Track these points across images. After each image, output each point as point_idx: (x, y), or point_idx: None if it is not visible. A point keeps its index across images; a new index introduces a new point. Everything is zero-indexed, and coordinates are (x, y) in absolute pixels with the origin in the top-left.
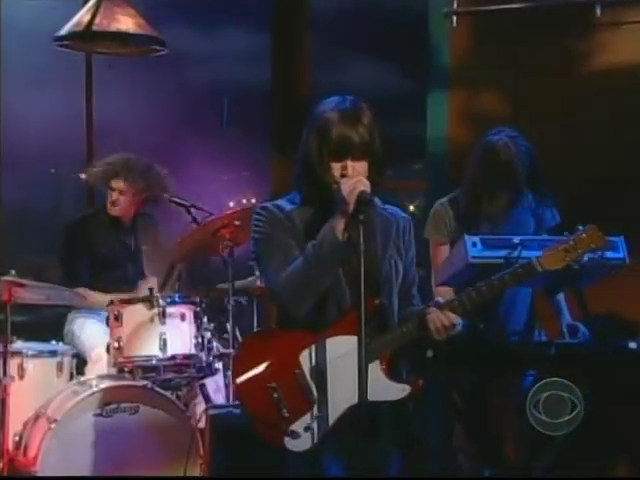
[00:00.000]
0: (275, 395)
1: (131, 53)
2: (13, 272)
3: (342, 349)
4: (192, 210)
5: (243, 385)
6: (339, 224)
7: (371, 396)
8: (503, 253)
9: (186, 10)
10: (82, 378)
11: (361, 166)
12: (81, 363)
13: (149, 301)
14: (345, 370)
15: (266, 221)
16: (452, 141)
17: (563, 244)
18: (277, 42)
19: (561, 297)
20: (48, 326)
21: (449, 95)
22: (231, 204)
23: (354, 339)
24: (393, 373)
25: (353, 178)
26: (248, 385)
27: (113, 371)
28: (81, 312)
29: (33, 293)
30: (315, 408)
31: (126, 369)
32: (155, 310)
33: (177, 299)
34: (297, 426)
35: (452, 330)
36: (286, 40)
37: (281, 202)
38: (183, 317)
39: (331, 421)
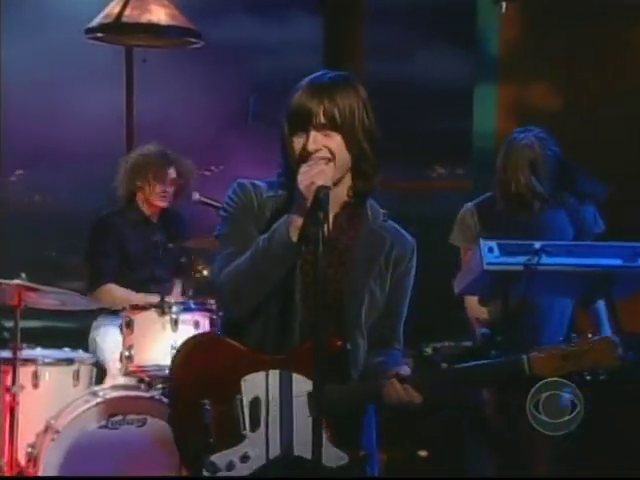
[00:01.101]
0: (205, 415)
1: (165, 45)
2: (23, 275)
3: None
4: None
5: (175, 391)
6: (295, 220)
7: (306, 453)
8: (522, 260)
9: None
10: (95, 387)
11: (329, 140)
12: (104, 372)
13: (161, 307)
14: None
15: (238, 202)
16: (500, 137)
17: (562, 349)
18: (329, 31)
19: (601, 308)
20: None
21: (498, 87)
22: None
23: (305, 383)
24: (336, 433)
25: (314, 168)
26: (179, 393)
27: (133, 381)
28: (106, 319)
29: (47, 298)
30: (244, 445)
31: (146, 379)
32: (167, 317)
33: (192, 306)
34: (219, 459)
35: (410, 406)
36: (338, 29)
37: (262, 183)
38: (197, 325)
39: (258, 466)
